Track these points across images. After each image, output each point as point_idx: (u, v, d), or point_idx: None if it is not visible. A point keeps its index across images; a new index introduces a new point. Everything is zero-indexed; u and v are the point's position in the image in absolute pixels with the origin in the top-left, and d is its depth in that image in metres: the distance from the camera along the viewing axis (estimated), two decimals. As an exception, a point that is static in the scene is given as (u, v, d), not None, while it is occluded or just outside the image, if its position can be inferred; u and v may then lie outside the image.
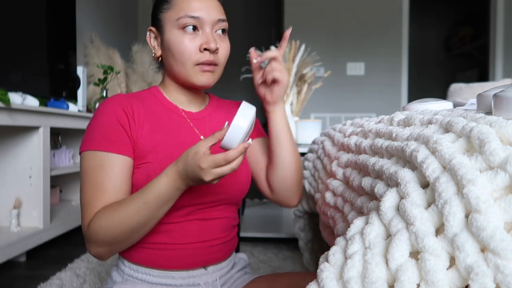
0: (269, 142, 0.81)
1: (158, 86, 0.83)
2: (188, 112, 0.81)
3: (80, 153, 0.72)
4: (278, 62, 0.75)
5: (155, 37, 0.78)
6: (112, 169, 0.69)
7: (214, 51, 0.73)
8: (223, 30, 0.76)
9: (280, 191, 0.83)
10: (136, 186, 0.72)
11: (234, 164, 0.60)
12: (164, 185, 0.64)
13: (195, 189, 0.73)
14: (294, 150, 0.81)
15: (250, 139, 0.63)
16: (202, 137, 0.79)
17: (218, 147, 0.63)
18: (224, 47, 0.75)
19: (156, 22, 0.76)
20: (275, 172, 0.81)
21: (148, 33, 0.79)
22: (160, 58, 0.79)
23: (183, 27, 0.72)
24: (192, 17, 0.71)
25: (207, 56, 0.72)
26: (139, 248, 0.74)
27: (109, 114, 0.72)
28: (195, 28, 0.72)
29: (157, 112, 0.77)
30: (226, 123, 0.63)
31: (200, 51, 0.72)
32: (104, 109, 0.73)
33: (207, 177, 0.60)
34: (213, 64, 0.74)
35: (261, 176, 0.86)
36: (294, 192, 0.83)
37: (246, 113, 0.62)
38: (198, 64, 0.73)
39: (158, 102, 0.79)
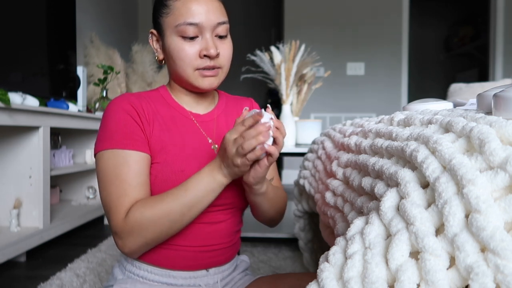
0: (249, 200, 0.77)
1: (166, 86, 0.82)
2: (196, 114, 0.80)
3: (96, 154, 0.71)
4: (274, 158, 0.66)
5: (157, 40, 0.77)
6: (137, 165, 0.69)
7: (215, 57, 0.72)
8: (224, 32, 0.74)
9: (261, 222, 0.87)
10: None
11: (248, 134, 0.61)
12: (204, 175, 0.67)
13: None
14: (276, 202, 0.81)
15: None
16: (210, 140, 0.78)
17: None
18: (225, 49, 0.74)
19: (157, 26, 0.76)
20: (257, 215, 0.83)
21: (150, 36, 0.78)
22: (163, 61, 0.78)
23: (182, 34, 0.71)
24: (191, 23, 0.70)
25: (207, 62, 0.72)
26: None
27: (121, 112, 0.71)
28: (194, 34, 0.71)
29: (165, 113, 0.77)
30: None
31: (200, 57, 0.71)
32: (115, 108, 0.72)
33: (230, 145, 0.62)
34: (215, 68, 0.73)
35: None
36: (276, 223, 0.87)
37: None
38: (198, 69, 0.73)
39: (165, 103, 0.78)
